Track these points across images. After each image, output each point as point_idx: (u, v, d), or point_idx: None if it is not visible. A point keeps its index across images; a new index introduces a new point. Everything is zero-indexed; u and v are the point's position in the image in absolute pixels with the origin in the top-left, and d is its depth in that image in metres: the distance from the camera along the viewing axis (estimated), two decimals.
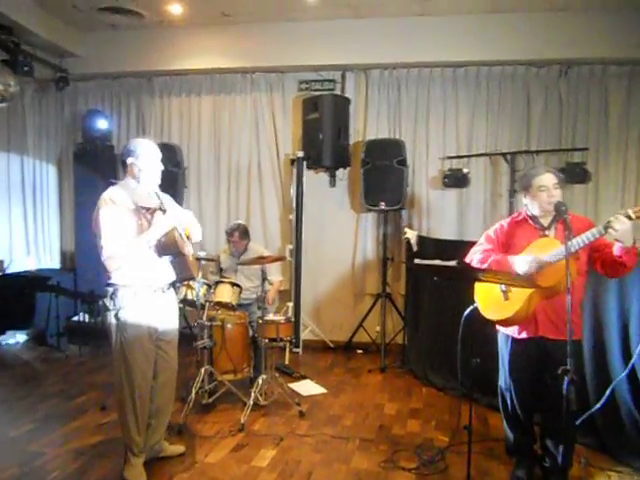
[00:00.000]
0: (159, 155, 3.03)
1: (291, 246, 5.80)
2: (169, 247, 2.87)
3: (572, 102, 5.40)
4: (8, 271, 6.33)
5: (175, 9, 5.26)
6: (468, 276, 2.65)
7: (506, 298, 2.80)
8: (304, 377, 4.86)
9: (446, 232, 5.58)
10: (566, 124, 5.41)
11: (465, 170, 5.30)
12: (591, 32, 5.13)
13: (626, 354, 3.32)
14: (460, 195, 5.61)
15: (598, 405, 3.38)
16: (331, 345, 5.92)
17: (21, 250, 6.50)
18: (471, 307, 3.01)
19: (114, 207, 2.79)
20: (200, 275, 4.08)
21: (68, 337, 5.82)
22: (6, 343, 5.93)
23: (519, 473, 3.02)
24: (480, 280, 2.62)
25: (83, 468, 3.12)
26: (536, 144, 5.42)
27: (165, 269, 2.99)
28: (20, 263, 6.43)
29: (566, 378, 2.40)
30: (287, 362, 5.22)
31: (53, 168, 6.53)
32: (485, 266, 2.87)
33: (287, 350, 5.34)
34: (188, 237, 3.14)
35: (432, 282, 4.68)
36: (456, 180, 5.30)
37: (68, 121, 6.42)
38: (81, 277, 5.85)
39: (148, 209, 2.88)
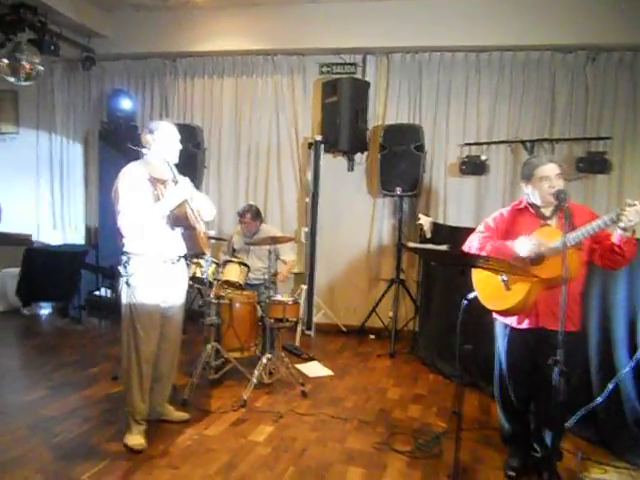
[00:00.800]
0: (178, 136, 3.19)
1: (307, 229, 5.83)
2: (180, 219, 3.04)
3: (599, 90, 5.24)
4: (35, 245, 6.58)
5: None
6: (461, 261, 2.63)
7: (507, 288, 2.77)
8: (312, 359, 4.91)
9: (463, 220, 5.51)
10: (592, 112, 5.26)
11: (483, 157, 5.22)
12: (620, 17, 4.95)
13: (632, 349, 3.26)
14: (479, 183, 5.53)
15: (599, 399, 3.35)
16: (344, 329, 5.95)
17: (48, 225, 6.72)
18: (471, 295, 2.99)
19: (132, 178, 2.98)
20: (209, 253, 4.16)
21: (89, 310, 6.03)
22: (31, 314, 6.16)
23: (513, 462, 3.01)
24: (473, 266, 2.59)
25: (88, 433, 3.25)
26: (560, 132, 5.30)
27: (176, 241, 3.15)
28: (47, 237, 6.67)
29: (556, 369, 2.41)
30: (297, 343, 5.30)
31: (79, 146, 6.71)
32: (483, 253, 2.83)
33: (298, 331, 5.42)
34: (199, 215, 3.27)
35: (444, 269, 4.65)
36: (474, 167, 5.23)
37: (95, 100, 6.58)
38: (103, 252, 6.03)
39: (162, 181, 3.05)
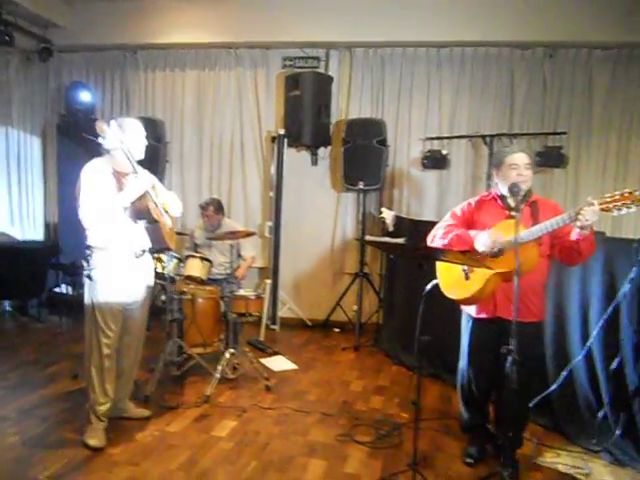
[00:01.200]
0: (143, 132, 3.16)
1: (270, 223, 5.82)
2: (142, 211, 3.01)
3: (556, 85, 5.36)
4: None
5: None
6: (416, 254, 2.66)
7: (467, 278, 2.83)
8: (277, 353, 4.92)
9: (426, 213, 5.61)
10: (549, 107, 5.38)
11: (444, 152, 5.30)
12: (577, 15, 5.08)
13: (585, 339, 3.37)
14: (440, 176, 5.61)
15: (554, 386, 3.46)
16: (309, 323, 5.97)
17: (5, 221, 6.53)
18: (432, 283, 3.04)
19: (94, 172, 2.97)
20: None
21: (49, 308, 5.89)
22: None
23: (471, 450, 3.09)
24: (430, 258, 2.63)
25: (45, 432, 3.19)
26: (519, 127, 5.40)
27: (140, 236, 3.13)
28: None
29: (509, 358, 2.47)
30: (262, 338, 5.29)
31: (37, 140, 6.53)
32: (446, 241, 2.88)
33: (263, 326, 5.41)
34: (166, 211, 3.26)
35: (405, 262, 4.71)
36: (435, 161, 5.29)
37: (53, 93, 6.41)
38: (63, 249, 5.91)
39: (125, 175, 3.02)
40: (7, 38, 5.07)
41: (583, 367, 3.39)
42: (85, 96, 5.95)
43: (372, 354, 5.08)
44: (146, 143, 3.18)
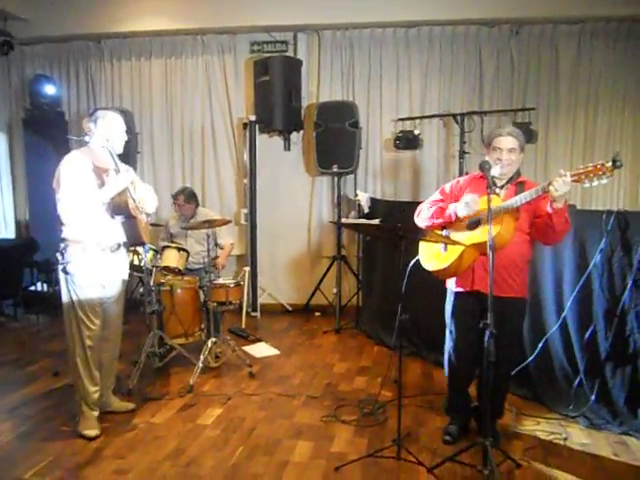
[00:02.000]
0: (123, 126, 3.17)
1: (246, 210, 5.80)
2: (121, 207, 3.03)
3: (523, 62, 5.44)
4: None
5: None
6: (391, 233, 2.69)
7: (445, 249, 2.88)
8: (259, 340, 4.94)
9: (401, 194, 5.65)
10: (517, 84, 5.46)
11: (416, 132, 5.32)
12: None
13: (560, 310, 3.47)
14: (414, 157, 5.65)
15: (530, 358, 3.56)
16: (289, 308, 6.00)
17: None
18: (414, 260, 3.09)
19: (74, 166, 2.97)
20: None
21: (25, 307, 5.81)
22: None
23: (450, 428, 3.10)
24: (406, 237, 2.66)
25: (29, 431, 3.17)
26: (489, 105, 5.46)
27: (115, 230, 3.12)
28: None
29: (487, 331, 2.52)
30: (244, 326, 5.30)
31: (3, 136, 6.36)
32: (430, 213, 2.93)
33: (244, 314, 5.43)
34: (142, 207, 3.27)
35: (383, 243, 4.76)
36: (407, 142, 5.32)
37: (16, 87, 6.25)
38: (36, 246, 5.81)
39: (105, 170, 3.02)
40: None
41: (558, 337, 3.49)
42: (50, 89, 5.82)
43: (353, 336, 5.14)
44: (126, 138, 3.20)
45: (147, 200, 3.31)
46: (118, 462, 2.84)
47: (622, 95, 5.33)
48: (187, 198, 4.76)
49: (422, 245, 3.03)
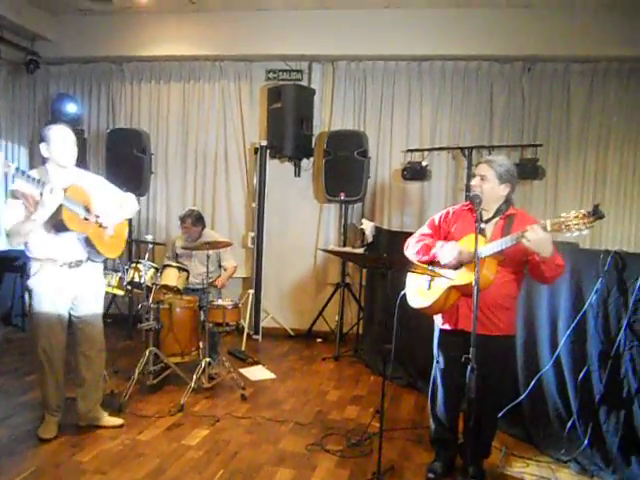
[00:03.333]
0: (69, 137, 3.18)
1: (253, 234, 5.86)
2: (58, 225, 3.02)
3: (535, 99, 5.46)
4: None
5: None
6: (378, 264, 2.70)
7: (428, 287, 2.86)
8: (257, 363, 4.94)
9: (407, 224, 5.65)
10: (528, 121, 5.48)
11: (424, 163, 5.35)
12: (555, 29, 5.17)
13: (554, 348, 3.40)
14: (422, 188, 5.67)
15: (522, 396, 3.49)
16: (291, 333, 6.00)
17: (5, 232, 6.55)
18: (401, 293, 3.08)
19: (14, 193, 3.00)
20: (147, 257, 4.17)
21: None
22: None
23: (434, 465, 3.02)
24: (391, 268, 2.66)
25: (17, 440, 3.21)
26: (498, 139, 5.48)
27: (71, 245, 3.16)
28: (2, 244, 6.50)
29: (469, 366, 2.49)
30: (243, 348, 5.31)
31: (25, 151, 6.57)
32: (416, 249, 2.92)
33: (244, 336, 5.44)
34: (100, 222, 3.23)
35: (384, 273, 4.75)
36: (415, 173, 5.35)
37: (40, 105, 6.47)
38: None
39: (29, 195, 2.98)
40: None
41: (552, 377, 3.42)
42: (71, 107, 6.01)
43: (352, 364, 5.10)
44: (71, 149, 3.16)
45: (104, 215, 3.24)
46: (99, 477, 2.86)
47: (635, 134, 5.30)
48: (194, 221, 4.83)
49: (409, 280, 3.01)
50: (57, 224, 3.01)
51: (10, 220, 2.98)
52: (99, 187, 3.34)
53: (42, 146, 3.14)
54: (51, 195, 2.87)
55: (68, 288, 3.19)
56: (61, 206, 2.96)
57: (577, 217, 2.31)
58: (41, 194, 2.87)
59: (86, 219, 3.13)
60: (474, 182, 2.79)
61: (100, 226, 3.22)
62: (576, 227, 2.30)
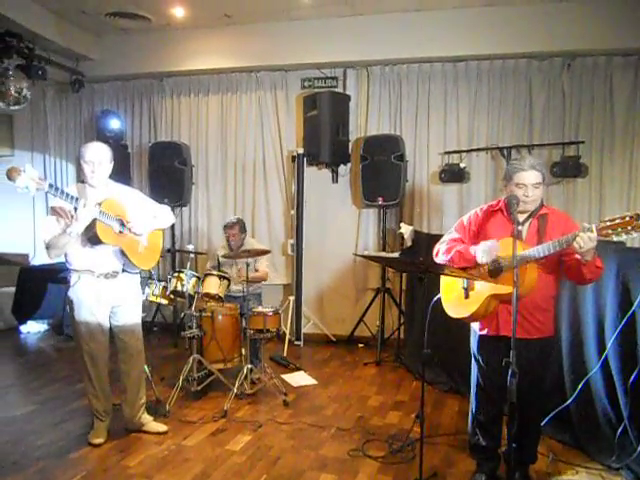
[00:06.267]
0: (94, 158, 3.20)
1: (292, 241, 5.91)
2: (93, 238, 3.13)
3: (576, 95, 5.30)
4: (31, 264, 6.72)
5: (178, 12, 5.45)
6: (414, 268, 2.68)
7: (466, 296, 2.79)
8: (299, 369, 4.97)
9: (447, 227, 5.53)
10: (569, 118, 5.31)
11: (462, 165, 5.29)
12: (594, 23, 5.02)
13: (601, 351, 3.29)
14: (460, 190, 5.59)
15: (569, 400, 3.39)
16: (333, 339, 6.01)
17: (43, 245, 6.83)
18: (435, 298, 3.04)
19: (51, 209, 3.16)
20: (189, 267, 4.27)
21: None
22: (28, 332, 6.28)
23: (478, 477, 2.96)
24: (428, 272, 2.64)
25: (68, 445, 3.34)
26: (538, 138, 5.35)
27: (107, 257, 3.27)
28: (42, 257, 6.78)
29: (510, 370, 2.43)
30: (285, 354, 5.36)
31: (72, 167, 6.86)
32: (448, 258, 2.86)
33: (286, 342, 5.49)
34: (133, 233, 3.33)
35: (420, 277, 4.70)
36: (453, 175, 5.29)
37: (86, 121, 6.74)
38: None
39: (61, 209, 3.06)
40: (40, 72, 5.37)
41: (601, 380, 3.30)
42: (115, 123, 6.24)
43: (394, 369, 5.07)
44: (99, 168, 3.19)
45: (140, 222, 3.33)
46: None
47: None
48: (241, 229, 4.95)
49: (443, 289, 2.95)
50: (92, 237, 3.12)
51: (46, 234, 3.11)
52: (135, 200, 3.45)
53: (81, 162, 3.26)
54: (84, 210, 2.97)
55: (106, 298, 3.31)
56: (95, 220, 3.06)
57: (624, 221, 2.22)
58: (75, 209, 2.96)
59: (120, 232, 3.23)
60: (530, 192, 2.64)
61: (134, 234, 3.31)
62: (624, 231, 2.22)
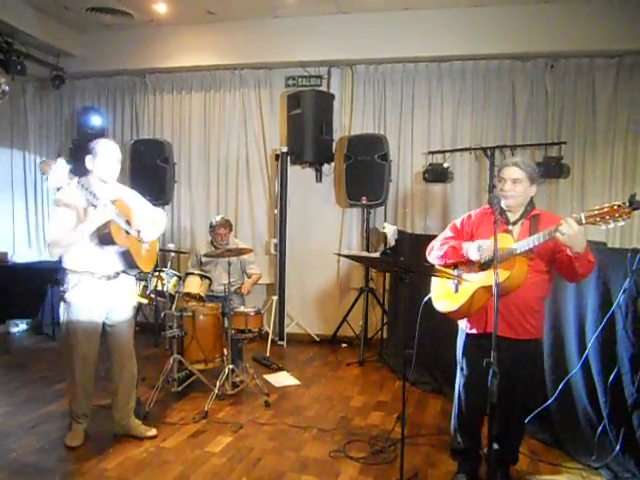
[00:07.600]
0: (116, 155, 3.20)
1: (276, 240, 5.88)
2: (105, 239, 3.06)
3: (558, 95, 5.33)
4: (10, 262, 6.59)
5: (160, 8, 5.39)
6: (393, 268, 2.67)
7: (456, 290, 2.80)
8: (281, 369, 4.93)
9: (430, 227, 5.59)
10: (552, 118, 5.35)
11: (445, 165, 5.29)
12: (577, 24, 5.05)
13: (582, 351, 3.30)
14: (444, 190, 5.60)
15: (550, 400, 3.40)
16: (316, 339, 5.98)
17: (23, 242, 6.74)
18: (427, 297, 3.03)
19: (59, 202, 3.05)
20: (169, 266, 4.22)
21: None
22: (7, 331, 6.16)
23: (459, 477, 2.95)
24: (408, 271, 2.62)
25: (44, 448, 3.27)
26: (522, 138, 5.38)
27: (110, 258, 3.20)
28: (22, 255, 6.68)
29: (490, 371, 2.42)
30: (268, 354, 5.32)
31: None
32: (441, 253, 2.87)
33: (268, 342, 5.45)
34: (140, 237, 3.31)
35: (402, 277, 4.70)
36: (436, 175, 5.29)
37: (67, 118, 6.64)
38: None
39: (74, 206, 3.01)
40: (19, 67, 5.28)
41: (581, 380, 3.32)
42: (96, 120, 6.16)
43: (377, 369, 5.06)
44: (115, 164, 3.18)
45: (144, 229, 3.31)
46: None
47: None
48: (230, 227, 4.91)
49: (434, 283, 2.96)
50: (104, 237, 3.03)
51: (56, 229, 3.03)
52: (137, 201, 3.41)
53: (88, 159, 3.14)
54: (105, 209, 2.94)
55: (103, 299, 3.23)
56: (110, 220, 3.01)
57: (612, 209, 2.24)
58: (94, 206, 2.92)
59: (128, 233, 3.17)
60: (507, 186, 2.68)
61: (139, 241, 3.28)
62: (612, 219, 2.23)
